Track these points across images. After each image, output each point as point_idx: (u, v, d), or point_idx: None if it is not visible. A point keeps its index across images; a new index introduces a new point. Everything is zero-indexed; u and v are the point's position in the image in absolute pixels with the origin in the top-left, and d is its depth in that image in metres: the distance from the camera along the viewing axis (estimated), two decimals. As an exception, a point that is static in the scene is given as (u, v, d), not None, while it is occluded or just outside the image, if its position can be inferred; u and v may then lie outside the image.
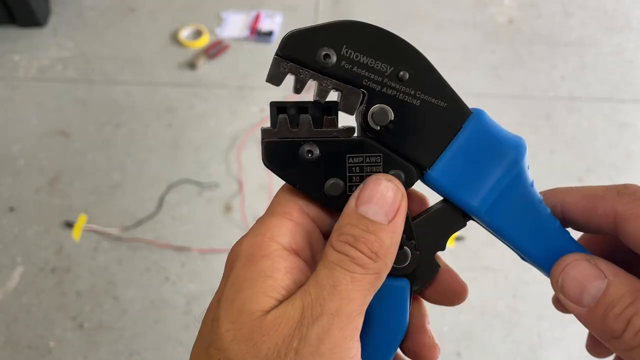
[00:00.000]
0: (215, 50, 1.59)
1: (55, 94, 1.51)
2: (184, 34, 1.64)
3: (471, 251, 1.19)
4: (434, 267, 0.33)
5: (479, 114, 0.31)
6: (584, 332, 1.19)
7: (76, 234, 1.23)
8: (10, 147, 1.39)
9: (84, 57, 1.60)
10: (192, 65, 1.55)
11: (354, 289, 0.27)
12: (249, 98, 1.49)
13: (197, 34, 1.65)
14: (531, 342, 1.10)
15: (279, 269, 0.28)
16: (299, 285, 0.28)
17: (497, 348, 1.10)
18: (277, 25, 1.66)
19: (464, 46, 1.66)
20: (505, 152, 0.31)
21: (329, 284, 0.27)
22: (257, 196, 1.29)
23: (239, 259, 0.29)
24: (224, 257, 1.20)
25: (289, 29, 0.30)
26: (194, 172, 1.33)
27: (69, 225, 1.24)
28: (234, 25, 1.67)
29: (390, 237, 0.28)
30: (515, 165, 0.31)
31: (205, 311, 0.29)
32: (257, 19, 1.67)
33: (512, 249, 0.32)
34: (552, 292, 0.30)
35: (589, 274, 0.28)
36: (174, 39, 1.64)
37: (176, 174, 1.33)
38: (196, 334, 0.30)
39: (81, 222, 1.24)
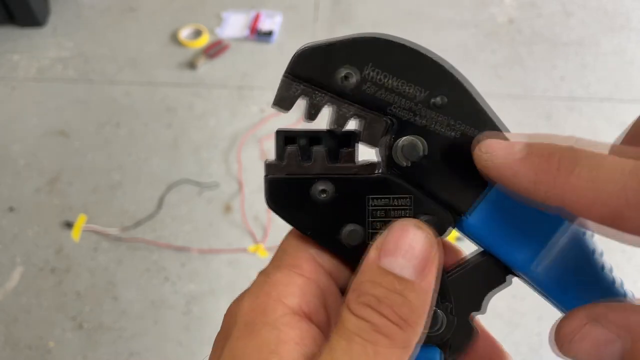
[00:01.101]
0: (215, 50, 1.58)
1: (54, 94, 1.51)
2: (184, 33, 1.64)
3: (471, 251, 1.19)
4: (471, 332, 0.27)
5: None
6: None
7: (76, 234, 1.22)
8: (9, 147, 1.39)
9: (83, 57, 1.60)
10: (192, 65, 1.55)
11: None
12: (249, 98, 1.48)
13: (197, 33, 1.64)
14: (531, 342, 1.10)
15: (287, 341, 0.23)
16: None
17: (497, 348, 1.10)
18: (277, 25, 1.66)
19: (464, 46, 1.65)
20: None
21: None
22: (257, 196, 1.29)
23: (237, 326, 0.24)
24: (223, 257, 1.20)
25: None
26: (194, 172, 1.33)
27: (69, 225, 1.24)
28: (234, 25, 1.67)
29: (422, 299, 0.23)
30: None
31: None
32: (257, 18, 1.67)
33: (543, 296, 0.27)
34: None
35: (600, 341, 0.22)
36: (174, 38, 1.64)
37: (176, 174, 1.32)
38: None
39: (81, 222, 1.24)
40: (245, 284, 0.27)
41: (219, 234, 1.23)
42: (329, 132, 0.26)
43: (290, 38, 1.62)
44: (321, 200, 0.26)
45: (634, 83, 1.56)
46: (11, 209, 1.28)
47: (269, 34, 1.62)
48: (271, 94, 0.25)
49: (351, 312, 0.23)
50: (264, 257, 1.18)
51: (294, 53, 0.25)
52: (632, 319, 0.23)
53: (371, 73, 0.25)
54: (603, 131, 1.43)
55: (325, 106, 0.25)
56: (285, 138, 0.26)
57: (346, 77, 0.25)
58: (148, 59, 1.59)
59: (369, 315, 0.22)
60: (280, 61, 1.55)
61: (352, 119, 0.26)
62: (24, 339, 1.10)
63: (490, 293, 0.27)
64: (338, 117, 0.25)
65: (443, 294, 0.26)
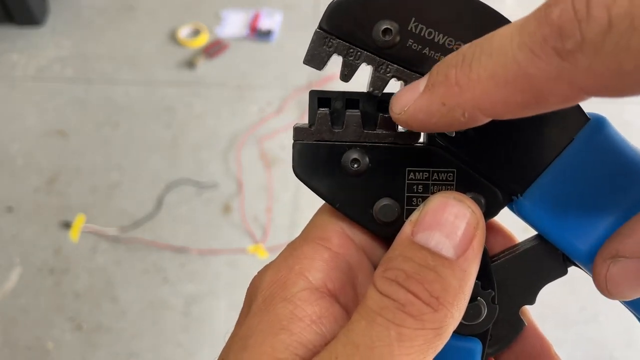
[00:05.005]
0: (214, 49, 1.58)
1: (53, 94, 1.50)
2: (183, 32, 1.63)
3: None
4: (517, 325, 0.25)
5: (599, 121, 0.23)
6: (585, 333, 1.18)
7: (74, 234, 1.22)
8: (8, 146, 1.39)
9: (82, 57, 1.59)
10: (191, 64, 1.55)
11: (401, 351, 0.19)
12: (249, 97, 1.48)
13: (196, 32, 1.64)
14: (533, 343, 1.10)
15: (301, 318, 0.21)
16: (329, 341, 0.21)
17: (498, 349, 1.09)
18: (277, 24, 1.65)
19: (464, 45, 1.65)
20: (637, 180, 0.22)
21: (365, 343, 0.19)
22: (257, 196, 1.28)
23: (256, 301, 0.23)
24: (223, 258, 1.18)
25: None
26: (193, 172, 1.32)
27: (67, 225, 1.23)
28: (234, 24, 1.67)
29: (460, 278, 0.20)
30: None
31: None
32: (256, 17, 1.66)
33: (632, 313, 0.24)
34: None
35: (632, 273, 0.20)
36: (173, 38, 1.63)
37: (175, 174, 1.32)
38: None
39: (79, 222, 1.23)
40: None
41: (218, 234, 1.23)
42: (367, 95, 0.23)
43: (290, 37, 1.61)
44: (353, 170, 0.23)
45: (635, 82, 1.55)
46: (9, 209, 1.27)
47: (268, 33, 1.62)
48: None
49: (375, 289, 0.20)
50: (264, 257, 1.18)
51: (329, 3, 0.22)
52: None
53: (415, 28, 0.22)
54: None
55: (362, 65, 0.23)
56: (319, 100, 0.24)
57: (386, 32, 0.22)
58: (147, 58, 1.58)
59: (395, 291, 0.20)
60: (280, 61, 1.55)
61: (392, 80, 0.23)
62: (23, 339, 1.10)
63: (544, 284, 0.25)
64: (376, 78, 0.23)
65: (486, 281, 0.24)
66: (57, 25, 1.68)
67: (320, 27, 0.22)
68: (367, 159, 0.23)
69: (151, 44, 1.62)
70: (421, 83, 0.20)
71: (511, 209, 0.24)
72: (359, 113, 0.23)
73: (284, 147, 1.34)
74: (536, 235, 0.25)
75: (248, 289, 0.24)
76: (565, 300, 1.10)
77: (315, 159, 0.23)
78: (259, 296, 0.23)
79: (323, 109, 0.24)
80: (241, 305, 0.25)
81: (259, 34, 1.62)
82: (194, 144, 1.39)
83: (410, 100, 0.20)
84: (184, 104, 1.47)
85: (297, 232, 0.26)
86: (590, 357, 1.08)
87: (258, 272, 0.24)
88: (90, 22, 1.70)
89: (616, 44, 0.15)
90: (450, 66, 0.18)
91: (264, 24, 1.65)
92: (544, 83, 0.16)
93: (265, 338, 0.20)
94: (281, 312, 0.21)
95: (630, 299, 0.21)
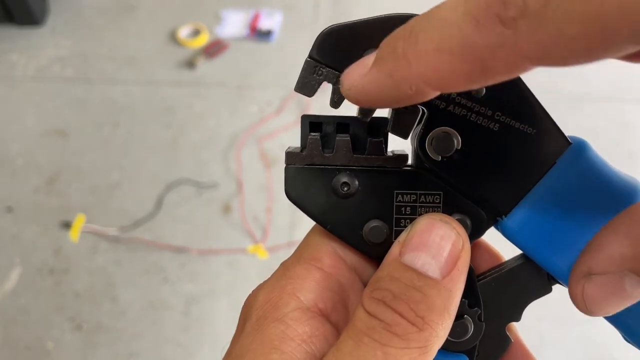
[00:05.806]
0: (214, 49, 1.58)
1: (53, 94, 1.50)
2: (183, 32, 1.63)
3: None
4: (504, 341, 0.26)
5: (580, 146, 0.24)
6: (585, 333, 1.18)
7: (74, 234, 1.22)
8: (8, 146, 1.38)
9: (82, 57, 1.59)
10: (191, 64, 1.55)
11: None
12: (249, 97, 1.48)
13: (196, 32, 1.64)
14: (532, 343, 1.09)
15: (292, 338, 0.21)
16: None
17: (498, 349, 1.09)
18: (277, 24, 1.65)
19: (464, 45, 1.65)
20: (616, 201, 0.23)
21: None
22: (257, 196, 1.28)
23: (250, 321, 0.23)
24: (223, 258, 1.18)
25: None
26: (193, 172, 1.32)
27: (67, 225, 1.23)
28: (234, 24, 1.67)
29: (445, 298, 0.21)
30: None
31: None
32: (256, 17, 1.66)
33: (615, 327, 0.25)
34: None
35: (608, 290, 0.21)
36: (173, 38, 1.63)
37: (175, 174, 1.32)
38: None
39: (79, 222, 1.23)
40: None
41: (218, 234, 1.23)
42: (357, 119, 0.24)
43: (290, 37, 1.61)
44: (343, 193, 0.24)
45: (637, 82, 1.55)
46: (9, 209, 1.27)
47: (268, 33, 1.62)
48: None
49: (363, 309, 0.21)
50: (264, 257, 1.18)
51: (318, 33, 0.23)
52: (615, 244, 0.21)
53: None
54: (605, 131, 1.43)
55: None
56: (310, 124, 0.25)
57: None
58: (147, 58, 1.58)
59: (382, 312, 0.20)
60: (280, 61, 1.55)
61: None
62: (23, 339, 1.10)
63: (530, 301, 0.26)
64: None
65: (472, 299, 0.25)
66: (57, 25, 1.68)
67: (310, 56, 0.23)
68: (357, 182, 0.24)
69: (151, 44, 1.62)
70: (370, 58, 0.19)
71: (497, 229, 0.25)
72: (349, 138, 0.24)
73: (283, 147, 1.34)
74: (521, 254, 0.26)
75: (243, 308, 0.25)
76: (565, 300, 1.09)
77: (306, 182, 0.24)
78: (253, 316, 0.23)
79: (314, 134, 0.24)
80: (240, 305, 0.26)
81: (259, 34, 1.62)
82: (194, 144, 1.39)
83: (359, 73, 0.19)
84: (184, 104, 1.47)
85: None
86: (591, 357, 1.08)
87: (252, 291, 0.25)
88: (90, 22, 1.70)
89: (557, 9, 0.14)
90: (398, 39, 0.18)
91: (264, 24, 1.65)
92: (488, 52, 0.16)
93: (257, 358, 0.21)
94: (273, 332, 0.22)
95: (611, 314, 0.22)
